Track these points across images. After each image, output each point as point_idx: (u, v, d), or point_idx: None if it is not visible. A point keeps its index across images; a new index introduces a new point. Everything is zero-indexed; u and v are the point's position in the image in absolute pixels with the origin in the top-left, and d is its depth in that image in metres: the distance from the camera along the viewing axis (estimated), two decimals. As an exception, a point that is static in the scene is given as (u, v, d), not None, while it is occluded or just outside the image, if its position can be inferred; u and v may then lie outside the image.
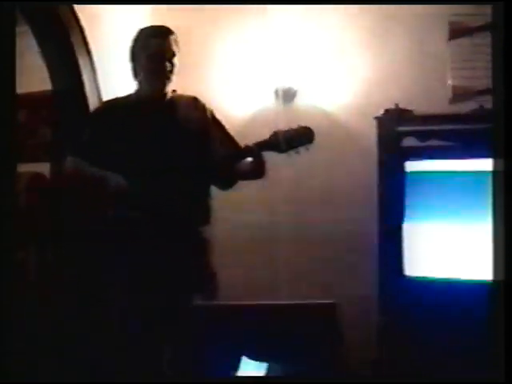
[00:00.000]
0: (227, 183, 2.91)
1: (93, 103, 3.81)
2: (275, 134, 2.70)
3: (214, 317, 3.09)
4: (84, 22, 3.82)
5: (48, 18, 3.72)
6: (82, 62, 3.82)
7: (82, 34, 3.81)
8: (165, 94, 2.85)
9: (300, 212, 3.90)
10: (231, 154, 2.84)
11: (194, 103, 2.92)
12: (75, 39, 3.79)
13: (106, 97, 3.84)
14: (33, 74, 4.84)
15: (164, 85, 2.82)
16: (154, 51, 2.78)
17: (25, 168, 5.59)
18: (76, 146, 2.85)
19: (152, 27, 2.88)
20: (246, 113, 4.09)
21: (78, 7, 3.76)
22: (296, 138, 2.70)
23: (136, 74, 2.88)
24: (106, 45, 3.95)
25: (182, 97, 2.91)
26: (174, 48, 2.80)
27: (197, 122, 2.87)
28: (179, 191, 2.74)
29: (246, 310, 3.64)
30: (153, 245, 2.72)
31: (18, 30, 4.34)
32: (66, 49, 3.77)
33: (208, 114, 2.92)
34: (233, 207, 3.92)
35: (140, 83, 2.88)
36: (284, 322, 3.53)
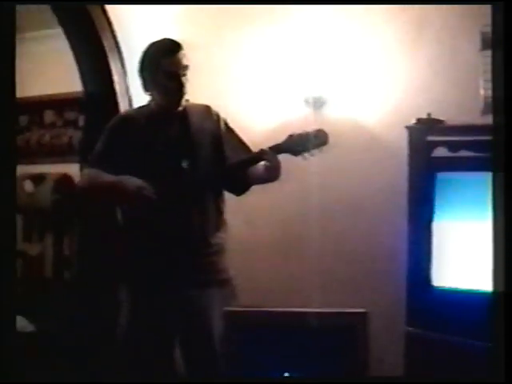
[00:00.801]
0: (241, 188, 2.94)
1: (123, 106, 3.85)
2: (290, 137, 2.75)
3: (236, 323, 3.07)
4: (116, 25, 3.85)
5: (81, 21, 3.77)
6: (114, 65, 3.86)
7: (114, 37, 3.85)
8: (179, 106, 2.88)
9: (328, 221, 3.88)
10: (246, 157, 2.87)
11: (208, 112, 2.95)
12: (107, 42, 3.84)
13: (136, 100, 3.88)
14: (63, 76, 4.90)
15: (182, 99, 2.85)
16: (167, 71, 2.80)
17: (51, 169, 5.69)
18: (92, 158, 2.89)
19: (161, 44, 2.89)
20: (276, 121, 4.07)
21: (110, 11, 3.80)
22: (310, 141, 2.72)
23: (147, 88, 2.91)
24: (138, 48, 3.97)
25: (195, 106, 2.94)
26: (186, 61, 2.83)
27: (210, 130, 2.91)
28: (193, 199, 2.79)
29: (273, 317, 3.64)
30: (166, 248, 2.76)
31: (50, 32, 4.45)
32: (97, 51, 3.82)
33: (221, 122, 2.95)
34: (259, 212, 3.93)
35: (153, 96, 2.91)
36: (310, 330, 3.52)
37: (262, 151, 2.75)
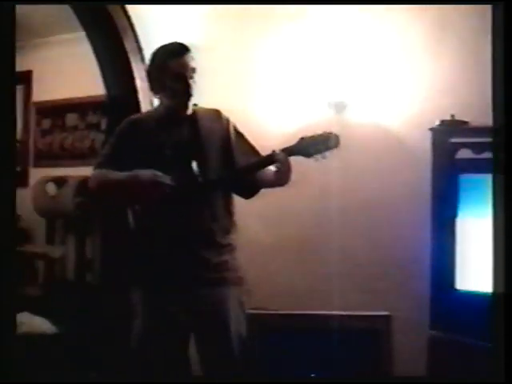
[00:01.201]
0: (249, 192, 2.93)
1: (145, 109, 3.86)
2: (301, 140, 2.73)
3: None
4: (138, 29, 3.87)
5: (103, 25, 3.79)
6: (136, 68, 3.88)
7: (136, 40, 3.87)
8: (187, 108, 2.88)
9: (351, 222, 3.87)
10: (256, 160, 2.87)
11: (217, 116, 2.95)
12: (129, 45, 3.85)
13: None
14: (86, 79, 4.93)
15: (188, 101, 2.85)
16: (174, 72, 2.80)
17: (74, 172, 5.72)
18: (100, 160, 2.88)
19: (169, 47, 2.88)
20: (298, 125, 4.05)
21: (132, 14, 3.82)
22: (322, 143, 2.71)
23: (155, 90, 2.92)
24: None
25: (204, 110, 2.94)
26: (193, 64, 2.82)
27: (220, 134, 2.90)
28: (203, 201, 2.78)
29: (295, 319, 3.63)
30: (176, 249, 2.75)
31: (73, 35, 4.47)
32: (120, 55, 3.84)
33: (231, 127, 2.94)
34: (284, 217, 3.92)
35: (161, 99, 2.92)
36: (332, 333, 3.50)
37: (273, 153, 2.74)
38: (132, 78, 3.88)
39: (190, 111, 2.88)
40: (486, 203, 3.16)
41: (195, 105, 2.91)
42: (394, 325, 3.61)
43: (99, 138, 5.59)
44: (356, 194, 3.90)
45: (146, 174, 2.70)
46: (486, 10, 3.63)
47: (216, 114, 2.95)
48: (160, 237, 2.77)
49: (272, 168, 2.77)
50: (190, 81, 2.80)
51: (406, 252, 3.74)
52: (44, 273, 5.78)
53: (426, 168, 3.40)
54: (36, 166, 6.26)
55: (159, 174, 2.69)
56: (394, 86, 3.93)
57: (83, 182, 5.57)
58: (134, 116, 3.01)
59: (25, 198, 5.42)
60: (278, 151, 2.72)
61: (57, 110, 6.12)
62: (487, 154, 3.25)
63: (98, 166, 2.86)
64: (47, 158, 6.21)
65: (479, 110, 3.52)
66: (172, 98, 2.85)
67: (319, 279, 3.94)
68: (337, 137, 2.73)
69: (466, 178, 3.32)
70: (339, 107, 3.96)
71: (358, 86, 3.95)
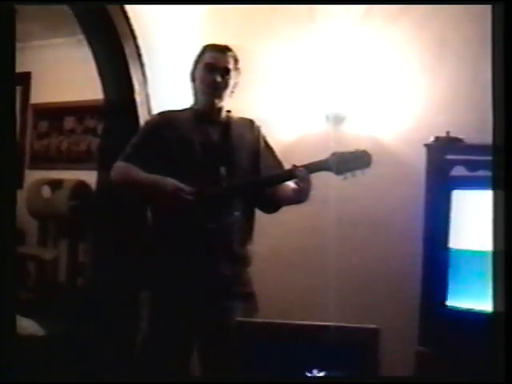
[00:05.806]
0: (270, 207, 2.91)
1: (142, 114, 3.87)
2: (333, 155, 2.69)
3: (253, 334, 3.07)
4: (138, 34, 3.87)
5: (103, 29, 3.79)
6: (135, 73, 3.88)
7: (136, 45, 3.87)
8: (219, 111, 2.88)
9: (344, 236, 3.86)
10: (277, 173, 2.86)
11: (250, 125, 2.96)
12: (129, 50, 3.85)
13: (155, 108, 3.89)
14: (84, 83, 4.94)
15: (213, 98, 2.84)
16: (206, 62, 2.84)
17: (69, 175, 5.73)
18: (126, 150, 2.86)
19: (212, 44, 2.92)
20: (295, 135, 4.10)
21: (133, 19, 3.82)
22: (354, 161, 2.68)
23: (192, 85, 2.94)
24: (159, 57, 4.00)
25: (238, 117, 2.95)
26: (230, 64, 2.83)
27: (250, 144, 2.90)
28: (224, 208, 2.76)
29: (283, 329, 3.61)
30: (192, 256, 2.74)
31: (73, 38, 4.48)
32: (119, 59, 3.84)
33: (261, 138, 2.95)
34: (277, 228, 3.91)
35: (196, 97, 2.93)
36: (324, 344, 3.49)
37: (293, 168, 2.69)
38: (130, 83, 3.88)
39: (223, 116, 2.88)
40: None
41: (229, 111, 2.92)
42: (383, 338, 3.61)
43: (96, 142, 5.60)
44: (350, 209, 3.89)
45: (167, 184, 2.67)
46: (485, 27, 3.68)
47: (249, 123, 2.96)
48: (176, 242, 2.73)
49: (292, 184, 2.73)
50: (217, 76, 2.79)
51: (397, 266, 3.75)
52: (35, 275, 5.77)
53: (420, 183, 3.40)
54: (31, 168, 6.26)
55: (181, 186, 2.66)
56: (390, 101, 3.94)
57: (78, 185, 5.59)
58: (167, 111, 2.99)
59: (19, 200, 5.41)
60: (299, 167, 2.67)
61: (55, 113, 6.13)
62: (481, 172, 3.26)
63: (125, 158, 2.83)
64: (43, 160, 6.22)
65: (475, 128, 3.55)
66: (200, 93, 2.86)
67: (309, 290, 3.94)
68: (369, 156, 2.70)
69: (460, 195, 3.32)
70: (337, 120, 3.97)
71: (356, 100, 3.95)
